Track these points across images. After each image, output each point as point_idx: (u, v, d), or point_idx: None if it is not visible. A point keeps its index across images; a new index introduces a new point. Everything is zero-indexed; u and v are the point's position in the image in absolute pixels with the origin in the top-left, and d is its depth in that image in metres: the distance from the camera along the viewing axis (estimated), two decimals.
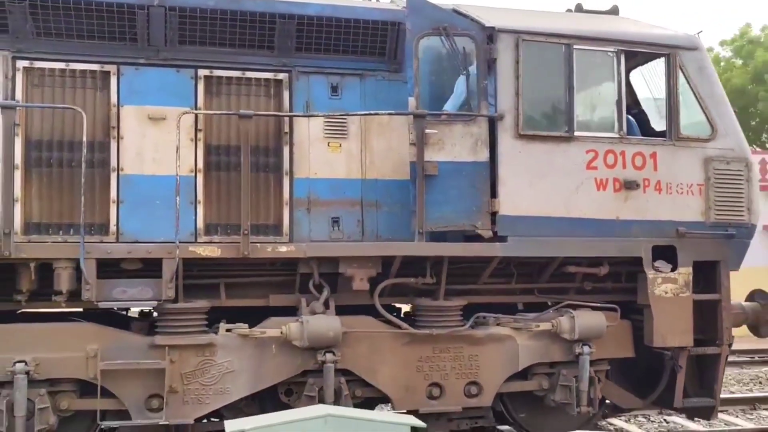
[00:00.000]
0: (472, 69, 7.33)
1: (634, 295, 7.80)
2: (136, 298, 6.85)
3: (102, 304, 6.74)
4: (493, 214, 7.18)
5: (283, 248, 7.05)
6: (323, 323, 6.97)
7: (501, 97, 7.21)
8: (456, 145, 7.17)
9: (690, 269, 7.60)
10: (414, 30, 7.21)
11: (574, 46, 7.38)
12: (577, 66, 7.37)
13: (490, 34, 7.28)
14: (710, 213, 7.70)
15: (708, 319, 7.81)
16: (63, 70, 7.09)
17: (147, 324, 7.32)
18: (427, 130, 7.13)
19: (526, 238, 7.21)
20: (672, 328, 7.52)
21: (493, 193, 7.19)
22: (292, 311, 7.35)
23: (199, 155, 7.22)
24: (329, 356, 6.99)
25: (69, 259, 6.67)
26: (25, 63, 7.02)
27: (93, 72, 7.15)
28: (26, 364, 6.52)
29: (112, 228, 7.00)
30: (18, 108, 6.77)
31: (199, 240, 7.14)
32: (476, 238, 7.30)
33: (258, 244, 7.00)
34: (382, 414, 6.34)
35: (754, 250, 8.56)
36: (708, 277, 7.80)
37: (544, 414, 8.01)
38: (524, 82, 7.25)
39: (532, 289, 7.87)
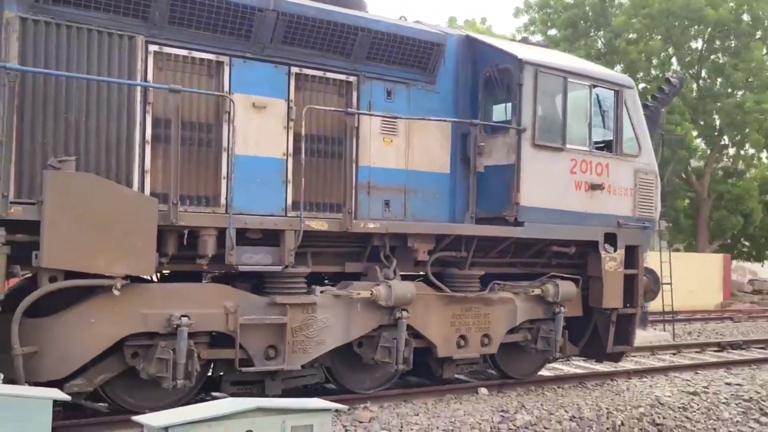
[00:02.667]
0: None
1: (577, 269, 10.32)
2: (260, 263, 8.00)
3: (241, 268, 7.79)
4: (515, 204, 9.28)
5: (371, 224, 8.55)
6: (405, 287, 8.62)
7: (524, 114, 9.32)
8: (505, 152, 9.21)
9: (623, 251, 10.31)
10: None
11: (569, 79, 9.72)
12: (569, 94, 9.71)
13: (517, 64, 9.35)
14: (636, 210, 10.47)
15: (626, 288, 10.55)
16: (186, 57, 7.93)
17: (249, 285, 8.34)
18: (480, 143, 9.10)
19: (536, 223, 9.42)
20: (613, 295, 10.18)
21: (516, 188, 9.28)
22: (348, 276, 8.82)
23: (289, 141, 8.43)
24: (404, 314, 8.64)
25: (215, 228, 7.63)
26: (155, 48, 7.77)
27: (210, 61, 8.06)
28: (189, 318, 7.39)
29: (222, 201, 7.98)
30: (175, 91, 7.52)
31: (288, 215, 8.34)
32: (488, 221, 9.39)
33: (354, 220, 8.42)
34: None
35: None
36: (627, 258, 10.52)
37: (510, 359, 10.29)
38: (539, 104, 9.43)
39: (516, 263, 10.04)
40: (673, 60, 35.24)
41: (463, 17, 41.09)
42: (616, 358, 11.07)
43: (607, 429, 8.58)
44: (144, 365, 7.46)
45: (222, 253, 7.70)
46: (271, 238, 8.09)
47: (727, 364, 13.00)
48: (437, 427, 7.89)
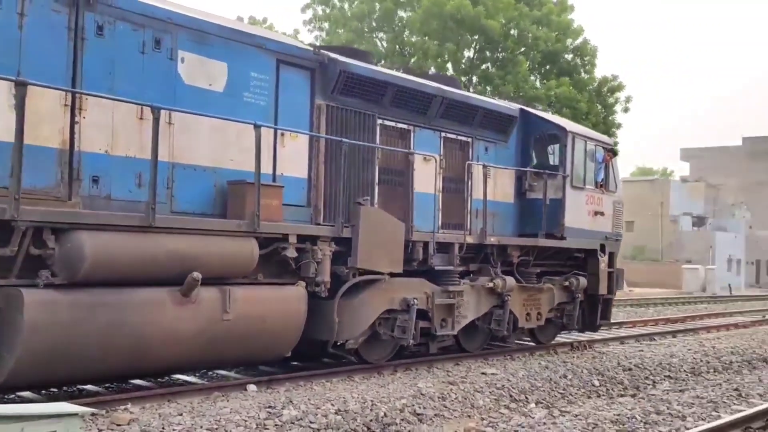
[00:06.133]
0: (556, 150, 14.15)
1: (580, 268, 15.23)
2: (439, 264, 12.18)
3: (438, 268, 11.96)
4: (562, 225, 14.05)
5: (492, 239, 12.97)
6: (510, 280, 13.11)
7: (567, 165, 14.13)
8: (555, 190, 13.95)
9: (608, 256, 15.39)
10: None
11: (587, 143, 14.67)
12: (587, 151, 14.66)
13: (564, 132, 14.16)
14: (614, 228, 15.60)
15: (609, 281, 15.60)
16: (394, 127, 12.01)
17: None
18: (533, 182, 13.79)
19: (573, 239, 14.26)
20: (603, 285, 15.21)
21: (562, 215, 14.05)
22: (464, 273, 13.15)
23: (438, 182, 12.65)
24: (508, 298, 13.13)
25: (424, 242, 11.78)
26: (382, 121, 11.78)
27: (403, 130, 12.17)
28: (416, 299, 11.47)
29: (410, 225, 12.00)
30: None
31: (438, 233, 12.55)
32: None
33: (476, 234, 12.75)
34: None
35: None
36: (609, 260, 15.58)
37: (540, 330, 14.99)
38: (573, 157, 14.26)
39: (539, 263, 14.71)
40: (449, 65, 37.37)
41: (248, 13, 41.78)
42: (598, 329, 16.18)
43: (371, 420, 8.74)
44: (385, 330, 11.45)
45: (422, 258, 11.83)
46: (442, 247, 12.28)
47: (485, 356, 13.46)
48: (201, 427, 7.76)
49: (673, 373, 13.76)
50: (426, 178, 12.30)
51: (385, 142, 11.81)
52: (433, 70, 35.49)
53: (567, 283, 14.61)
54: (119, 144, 8.81)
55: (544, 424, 9.26)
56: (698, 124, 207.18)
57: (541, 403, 10.85)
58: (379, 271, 10.93)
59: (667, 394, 11.82)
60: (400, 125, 12.07)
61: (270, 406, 8.71)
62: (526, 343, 15.09)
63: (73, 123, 8.40)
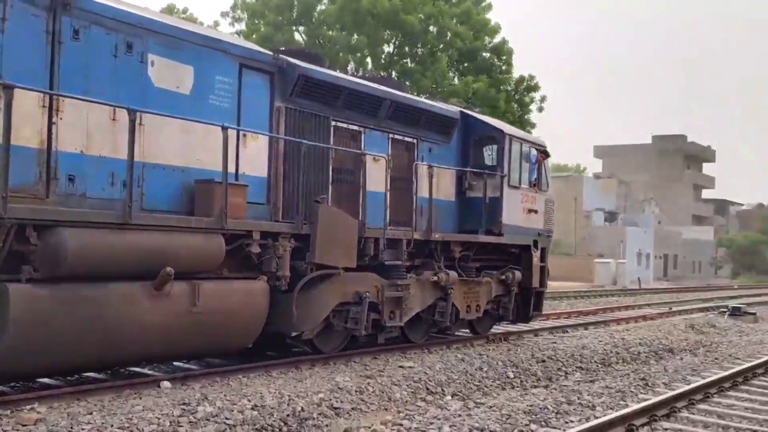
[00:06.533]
0: (494, 151, 14.93)
1: (515, 263, 16.08)
2: (389, 259, 12.81)
3: (387, 263, 12.59)
4: (500, 222, 14.84)
5: (437, 235, 13.66)
6: (453, 274, 13.83)
7: (504, 166, 14.94)
8: (494, 189, 14.72)
9: (540, 252, 16.27)
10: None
11: (523, 144, 15.50)
12: (522, 152, 15.49)
13: (502, 135, 14.95)
14: (545, 225, 16.49)
15: (540, 275, 16.49)
16: (346, 128, 12.58)
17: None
18: (487, 182, 14.55)
19: (509, 235, 15.07)
20: (536, 279, 16.09)
21: (500, 213, 14.84)
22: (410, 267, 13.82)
23: (387, 181, 13.28)
24: (451, 291, 13.85)
25: (375, 238, 12.39)
26: (336, 123, 12.35)
27: (355, 131, 12.75)
28: (367, 293, 12.08)
29: (363, 222, 12.60)
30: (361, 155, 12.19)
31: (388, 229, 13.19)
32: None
33: (422, 230, 13.44)
34: None
35: None
36: (541, 256, 16.46)
37: (478, 322, 15.79)
38: (510, 159, 15.07)
39: (478, 258, 15.50)
40: (368, 60, 37.58)
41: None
42: (531, 320, 17.06)
43: (288, 415, 8.72)
44: (338, 322, 12.02)
45: (373, 253, 12.44)
46: (391, 243, 12.90)
47: (402, 349, 13.52)
48: (112, 426, 7.60)
49: (584, 364, 14.21)
50: (376, 177, 12.88)
51: (338, 143, 12.37)
52: (352, 65, 36.14)
53: (503, 277, 15.42)
54: (93, 144, 9.15)
55: (459, 415, 9.47)
56: (611, 122, 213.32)
57: (457, 395, 11.06)
58: (334, 265, 11.49)
59: (578, 384, 12.20)
60: (352, 127, 12.64)
61: (185, 403, 8.61)
62: (465, 334, 15.83)
63: (50, 124, 8.71)
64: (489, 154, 15.31)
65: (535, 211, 16.10)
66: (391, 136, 13.41)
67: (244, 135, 10.84)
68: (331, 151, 12.15)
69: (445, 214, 14.58)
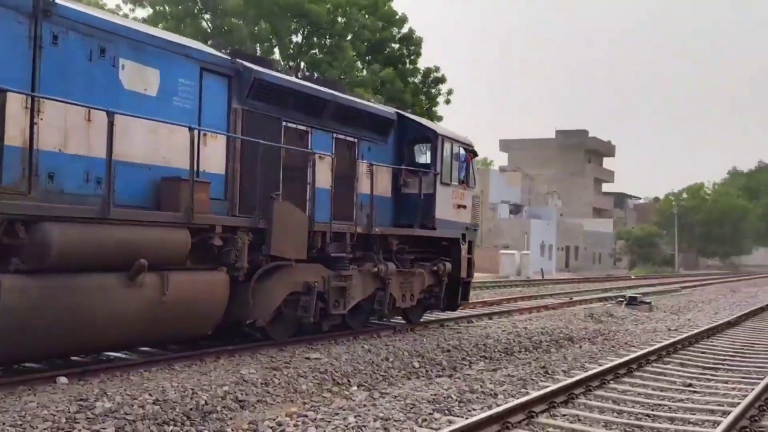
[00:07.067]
0: (428, 150, 15.93)
1: (444, 255, 17.12)
2: (334, 252, 13.67)
3: (333, 255, 13.44)
4: (433, 217, 15.87)
5: (377, 229, 14.58)
6: (392, 266, 14.78)
7: (437, 164, 15.96)
8: (428, 186, 15.73)
9: (467, 244, 17.37)
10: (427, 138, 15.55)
11: (454, 144, 16.56)
12: (452, 152, 16.54)
13: (435, 135, 15.96)
14: (472, 219, 17.61)
15: (468, 266, 17.60)
16: (295, 129, 13.37)
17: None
18: (422, 179, 15.55)
19: (441, 229, 16.11)
20: (464, 270, 17.19)
21: (434, 208, 15.87)
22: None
23: (332, 178, 14.11)
24: (389, 281, 14.80)
25: (323, 232, 13.23)
26: (286, 124, 13.12)
27: (302, 131, 13.55)
28: (316, 283, 12.92)
29: (312, 217, 13.40)
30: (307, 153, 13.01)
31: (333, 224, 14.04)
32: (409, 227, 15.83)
33: (363, 225, 14.34)
34: None
35: None
36: (469, 248, 17.57)
37: (411, 310, 16.79)
38: (443, 158, 16.11)
39: (412, 251, 16.50)
40: (276, 50, 36.88)
41: None
42: (459, 308, 18.17)
43: (191, 409, 8.59)
44: (289, 310, 12.83)
45: (320, 246, 13.29)
46: (337, 237, 13.75)
47: (310, 340, 13.50)
48: (3, 424, 7.34)
49: (488, 353, 14.55)
50: (323, 175, 13.69)
51: (288, 143, 13.13)
52: (259, 53, 34.85)
53: (435, 268, 16.47)
54: (70, 143, 9.72)
55: (365, 406, 9.51)
56: (517, 116, 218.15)
57: (363, 385, 11.13)
58: (287, 258, 12.29)
59: (482, 373, 12.38)
60: (300, 127, 13.42)
61: (82, 399, 8.39)
62: (399, 321, 16.82)
63: (32, 124, 9.25)
64: (422, 152, 16.30)
65: (464, 207, 17.19)
66: (335, 135, 14.23)
67: (204, 134, 11.51)
68: (283, 150, 12.91)
69: (383, 210, 15.49)
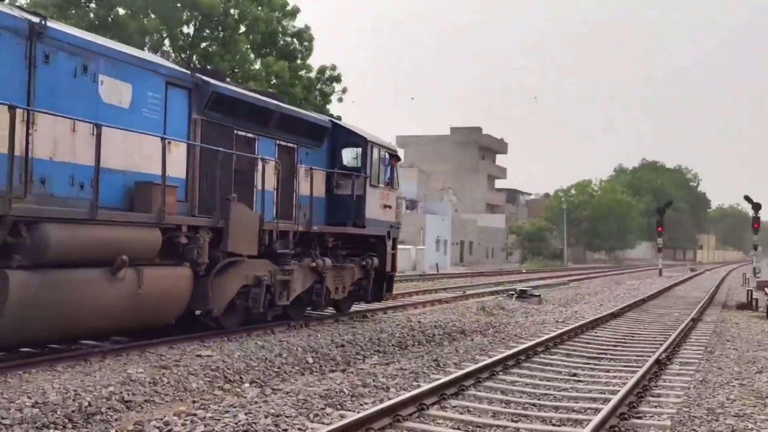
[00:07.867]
0: (359, 155, 17.45)
1: (371, 251, 18.66)
2: (279, 248, 15.03)
3: (279, 251, 14.81)
4: (364, 216, 17.39)
5: (315, 228, 16.01)
6: (328, 261, 16.24)
7: (367, 168, 17.49)
8: (359, 188, 17.24)
9: (392, 241, 18.97)
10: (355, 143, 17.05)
11: (381, 149, 18.12)
12: (380, 156, 18.10)
13: (365, 141, 17.49)
14: (396, 218, 19.21)
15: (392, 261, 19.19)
16: (245, 137, 14.68)
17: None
18: (354, 182, 17.05)
19: (371, 227, 17.66)
20: (389, 264, 18.79)
21: (364, 208, 17.39)
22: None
23: (276, 182, 15.48)
24: (326, 275, 16.26)
25: (270, 230, 14.59)
26: (237, 132, 14.42)
27: (250, 138, 14.88)
28: (265, 277, 14.27)
29: (261, 214, 14.73)
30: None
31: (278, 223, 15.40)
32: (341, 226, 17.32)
33: (304, 224, 15.76)
34: None
35: None
36: (393, 245, 19.15)
37: (343, 302, 18.28)
38: (372, 162, 17.64)
39: (344, 247, 17.94)
40: (166, 41, 36.70)
41: None
42: (383, 299, 19.75)
43: (73, 411, 8.34)
44: (240, 302, 14.14)
45: (268, 243, 14.64)
46: (282, 234, 15.11)
47: (201, 337, 13.28)
48: None
49: (381, 347, 14.81)
50: (268, 178, 15.00)
51: (239, 149, 14.41)
52: (148, 47, 34.80)
53: (364, 263, 18.02)
54: (59, 152, 10.81)
55: (256, 402, 9.37)
56: (414, 113, 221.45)
57: (255, 382, 11.12)
58: (241, 254, 13.61)
59: (375, 367, 12.40)
60: (248, 135, 14.72)
61: None
62: (330, 311, 18.29)
63: (28, 135, 10.32)
64: (353, 157, 17.79)
65: (389, 207, 18.77)
66: (277, 142, 15.58)
67: (169, 142, 12.70)
68: (235, 156, 14.18)
69: (318, 209, 16.91)
